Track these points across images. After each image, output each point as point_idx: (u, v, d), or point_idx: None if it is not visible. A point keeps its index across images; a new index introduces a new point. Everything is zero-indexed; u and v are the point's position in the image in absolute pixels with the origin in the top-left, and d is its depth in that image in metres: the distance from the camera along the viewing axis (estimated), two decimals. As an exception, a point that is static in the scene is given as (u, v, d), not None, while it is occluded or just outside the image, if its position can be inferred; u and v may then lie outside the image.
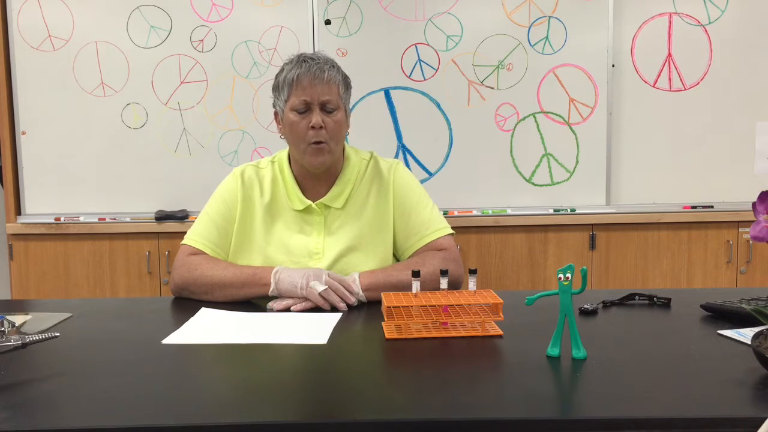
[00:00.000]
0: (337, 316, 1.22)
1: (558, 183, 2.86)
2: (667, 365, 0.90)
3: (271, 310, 1.28)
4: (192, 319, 1.20)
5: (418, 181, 1.59)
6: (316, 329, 1.12)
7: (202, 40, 2.80)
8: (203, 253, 1.47)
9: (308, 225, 1.49)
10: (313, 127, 1.42)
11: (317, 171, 1.48)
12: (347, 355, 1.00)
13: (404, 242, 1.51)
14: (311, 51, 1.49)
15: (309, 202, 1.49)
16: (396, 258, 1.54)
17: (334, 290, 1.29)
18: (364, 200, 1.52)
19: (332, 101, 1.44)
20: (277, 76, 1.48)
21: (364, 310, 1.28)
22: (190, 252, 1.47)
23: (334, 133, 1.45)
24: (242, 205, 1.51)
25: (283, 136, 1.51)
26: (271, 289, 1.33)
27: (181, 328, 1.14)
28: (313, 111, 1.43)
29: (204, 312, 1.26)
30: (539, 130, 2.84)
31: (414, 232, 1.50)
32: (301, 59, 1.45)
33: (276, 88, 1.48)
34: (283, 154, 1.57)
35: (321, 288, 1.27)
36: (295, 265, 1.44)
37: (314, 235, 1.48)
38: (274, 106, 1.52)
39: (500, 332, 1.06)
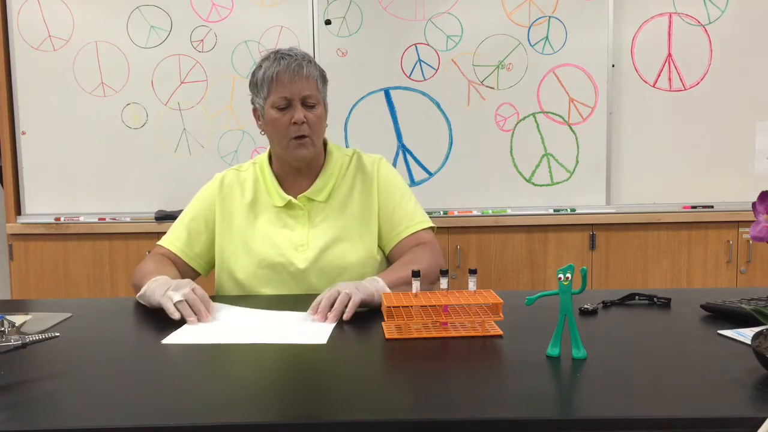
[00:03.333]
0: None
1: (558, 183, 2.86)
2: (667, 365, 0.90)
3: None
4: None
5: (400, 176, 1.63)
6: (316, 329, 1.12)
7: (202, 40, 2.80)
8: (170, 252, 1.54)
9: (292, 219, 1.52)
10: (295, 123, 1.44)
11: (300, 164, 1.52)
12: (347, 355, 1.00)
13: (389, 232, 1.54)
14: (287, 47, 1.50)
15: (289, 197, 1.52)
16: (380, 249, 1.56)
17: (190, 303, 1.20)
18: (348, 193, 1.55)
19: (312, 96, 1.46)
20: (254, 74, 1.50)
21: (364, 310, 1.28)
22: (156, 251, 1.55)
23: (315, 127, 1.48)
24: (220, 208, 1.55)
25: (263, 132, 1.53)
26: (139, 294, 1.31)
27: (181, 328, 1.14)
28: (294, 107, 1.45)
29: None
30: (539, 130, 2.84)
31: (398, 223, 1.54)
32: (279, 56, 1.46)
33: (254, 86, 1.50)
34: (263, 155, 1.61)
35: (177, 298, 1.20)
36: (281, 257, 1.48)
37: (298, 229, 1.51)
38: (252, 103, 1.54)
39: (500, 332, 1.06)
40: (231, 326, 1.17)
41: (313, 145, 1.49)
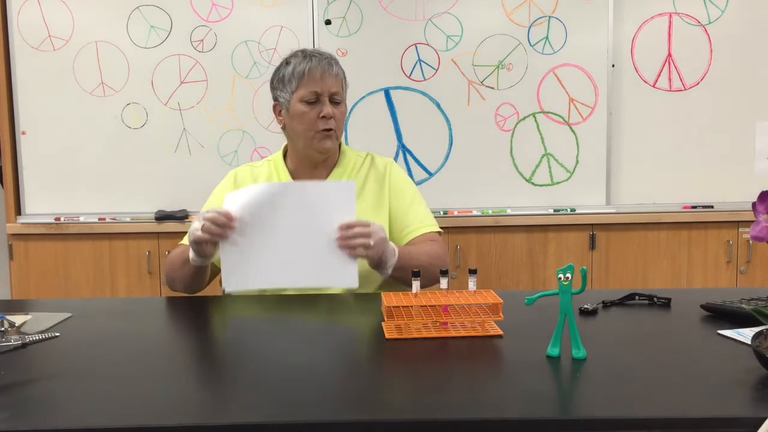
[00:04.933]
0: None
1: (558, 183, 2.86)
2: (667, 365, 0.90)
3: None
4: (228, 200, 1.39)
5: (411, 180, 1.70)
6: (340, 272, 1.35)
7: (202, 40, 2.80)
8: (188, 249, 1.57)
9: None
10: (323, 117, 1.52)
11: (323, 156, 1.58)
12: (347, 356, 1.00)
13: (400, 232, 1.59)
14: (312, 48, 1.59)
15: None
16: None
17: (211, 220, 1.34)
18: (360, 186, 1.60)
19: (339, 93, 1.55)
20: (279, 70, 1.57)
21: (364, 310, 1.28)
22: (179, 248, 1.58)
23: (339, 122, 1.57)
24: None
25: (283, 127, 1.60)
26: (191, 257, 1.42)
27: (225, 268, 1.37)
28: (323, 102, 1.53)
29: (229, 199, 1.40)
30: (539, 130, 2.84)
31: (410, 223, 1.59)
32: (309, 54, 1.54)
33: (281, 81, 1.56)
34: (278, 153, 1.66)
35: (197, 225, 1.36)
36: None
37: None
38: (275, 99, 1.59)
39: (500, 332, 1.06)
40: (269, 262, 1.37)
41: (336, 139, 1.57)
